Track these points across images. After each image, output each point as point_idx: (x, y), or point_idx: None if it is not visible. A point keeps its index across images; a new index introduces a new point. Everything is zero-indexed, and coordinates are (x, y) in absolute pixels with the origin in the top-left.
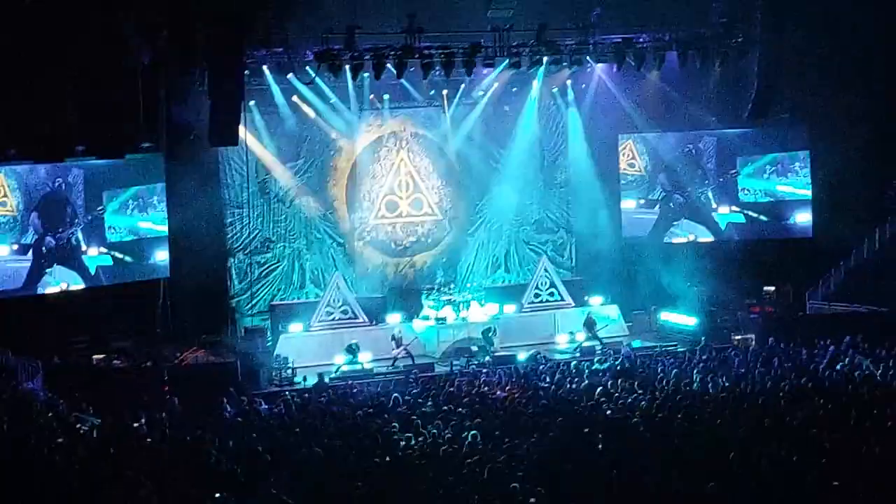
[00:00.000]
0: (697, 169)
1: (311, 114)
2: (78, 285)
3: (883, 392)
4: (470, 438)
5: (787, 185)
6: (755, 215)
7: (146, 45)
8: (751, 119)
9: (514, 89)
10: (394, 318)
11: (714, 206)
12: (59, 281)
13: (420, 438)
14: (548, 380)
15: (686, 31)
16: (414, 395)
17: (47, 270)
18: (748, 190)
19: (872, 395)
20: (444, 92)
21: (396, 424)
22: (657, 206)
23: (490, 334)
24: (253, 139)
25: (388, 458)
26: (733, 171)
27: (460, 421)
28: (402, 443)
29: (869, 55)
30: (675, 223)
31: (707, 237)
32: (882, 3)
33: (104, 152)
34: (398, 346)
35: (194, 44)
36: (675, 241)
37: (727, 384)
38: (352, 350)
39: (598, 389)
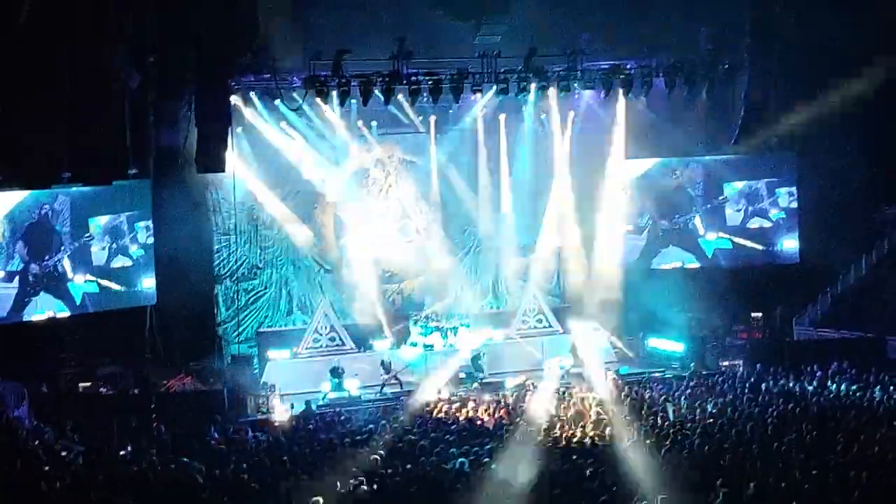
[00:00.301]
0: (684, 195)
1: (299, 140)
2: (63, 313)
3: (869, 418)
4: (458, 465)
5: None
6: (742, 242)
7: (134, 71)
8: (738, 145)
9: (502, 115)
10: (382, 345)
11: (701, 232)
12: (45, 309)
13: (408, 465)
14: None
15: (673, 57)
16: (401, 422)
17: (33, 298)
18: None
19: (859, 421)
20: (432, 118)
21: (383, 452)
22: (645, 232)
23: (479, 360)
24: (240, 165)
25: (374, 486)
26: (721, 197)
27: (448, 447)
28: (390, 470)
29: (856, 81)
30: (662, 250)
31: (694, 263)
32: (870, 30)
33: (91, 179)
34: (387, 373)
35: (182, 70)
36: (663, 267)
37: (715, 410)
38: (336, 373)
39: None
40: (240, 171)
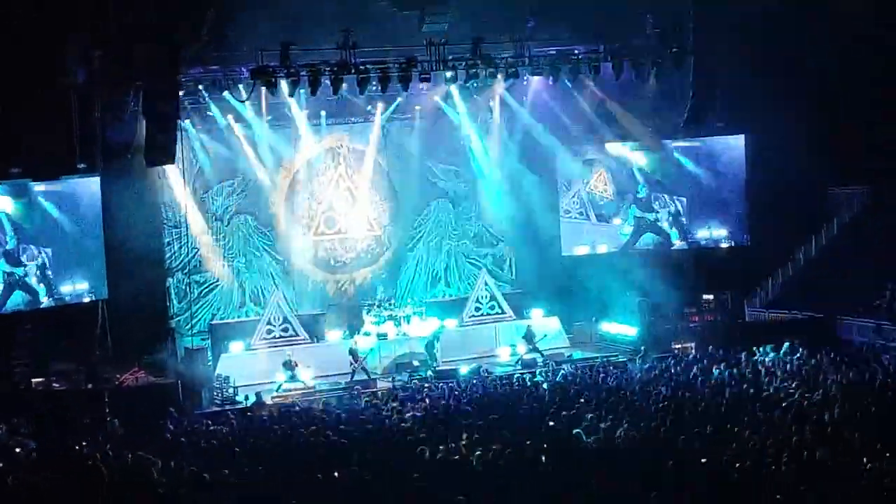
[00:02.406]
0: (632, 178)
1: (247, 132)
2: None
3: (822, 398)
4: (417, 452)
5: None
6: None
7: (81, 66)
8: (687, 129)
9: (451, 103)
10: (335, 335)
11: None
12: (18, 303)
13: (367, 455)
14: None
15: (620, 42)
16: (356, 412)
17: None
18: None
19: (812, 402)
20: (380, 106)
21: (343, 441)
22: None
23: (433, 348)
24: (189, 159)
25: (335, 474)
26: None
27: (404, 436)
28: (346, 459)
29: (804, 64)
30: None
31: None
32: (816, 12)
33: (40, 174)
34: (355, 360)
35: (129, 64)
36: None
37: (668, 393)
38: (289, 366)
39: (540, 401)
40: (189, 164)
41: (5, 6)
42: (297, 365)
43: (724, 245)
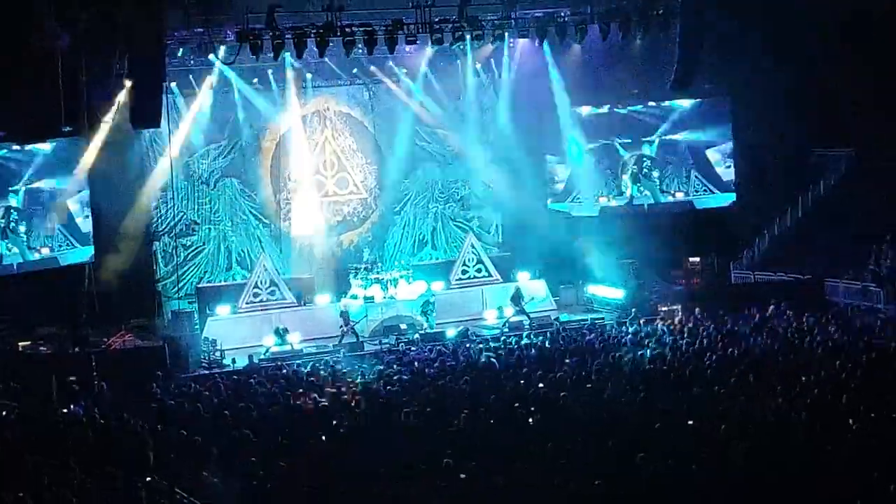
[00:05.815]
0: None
1: (234, 94)
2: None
3: (809, 359)
4: (403, 416)
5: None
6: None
7: (65, 29)
8: (673, 91)
9: (440, 65)
10: (322, 299)
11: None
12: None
13: (354, 418)
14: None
15: (607, 4)
16: (344, 375)
17: None
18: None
19: (799, 364)
20: (371, 68)
21: (327, 403)
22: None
23: (430, 307)
24: (175, 121)
25: (323, 437)
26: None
27: (391, 399)
28: (335, 421)
29: (789, 25)
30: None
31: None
32: None
33: (25, 138)
34: (346, 324)
35: (114, 27)
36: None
37: (654, 355)
38: (280, 334)
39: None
40: (175, 127)
41: None
42: (287, 331)
43: (711, 207)
